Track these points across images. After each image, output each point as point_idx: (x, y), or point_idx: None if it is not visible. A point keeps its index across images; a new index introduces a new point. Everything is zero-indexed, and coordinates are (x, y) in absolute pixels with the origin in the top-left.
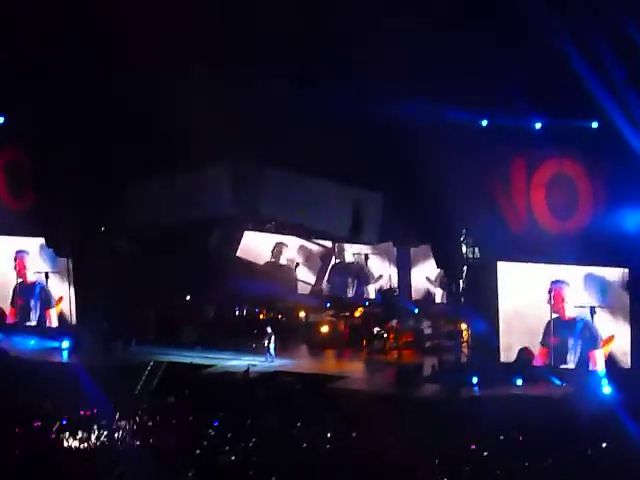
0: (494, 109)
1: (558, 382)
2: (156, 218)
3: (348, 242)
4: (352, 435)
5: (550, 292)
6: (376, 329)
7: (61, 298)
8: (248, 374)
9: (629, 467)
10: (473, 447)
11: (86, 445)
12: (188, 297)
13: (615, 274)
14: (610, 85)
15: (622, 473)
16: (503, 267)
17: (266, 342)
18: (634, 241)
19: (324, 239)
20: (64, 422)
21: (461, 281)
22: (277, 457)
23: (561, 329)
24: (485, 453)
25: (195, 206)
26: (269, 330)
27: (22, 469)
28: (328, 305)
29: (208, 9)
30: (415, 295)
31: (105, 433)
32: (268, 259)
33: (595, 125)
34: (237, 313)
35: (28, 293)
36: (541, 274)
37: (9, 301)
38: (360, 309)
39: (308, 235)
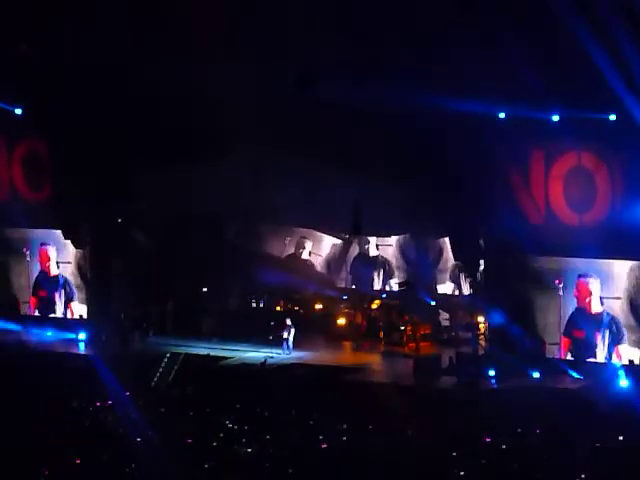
0: (512, 101)
1: (575, 375)
2: (174, 209)
3: (367, 235)
4: (369, 427)
5: (577, 285)
6: (393, 321)
7: None
8: (265, 366)
9: None
10: (488, 440)
11: (102, 436)
12: (205, 289)
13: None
14: (628, 77)
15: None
16: (520, 259)
17: (285, 334)
18: None
19: (343, 232)
20: (81, 413)
21: (478, 273)
22: (294, 449)
23: (586, 322)
24: (503, 446)
25: (213, 197)
26: (288, 322)
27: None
28: (345, 297)
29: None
30: (433, 287)
31: (122, 424)
32: (288, 252)
33: (613, 117)
34: (255, 305)
35: (51, 285)
36: (558, 266)
37: (30, 291)
38: (377, 301)
39: (327, 228)
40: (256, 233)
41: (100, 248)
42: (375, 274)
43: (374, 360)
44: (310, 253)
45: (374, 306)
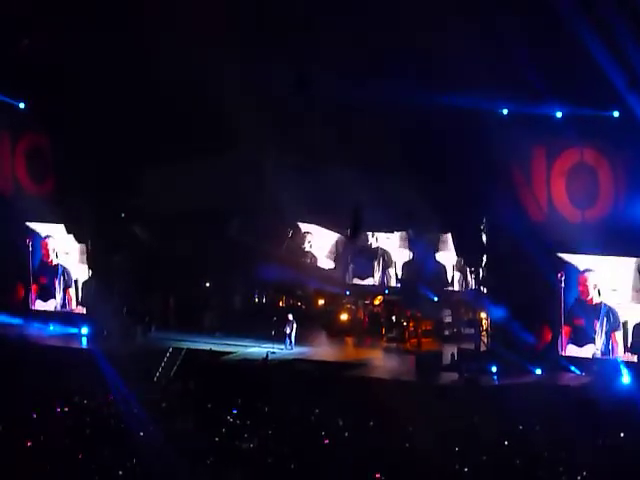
0: (515, 98)
1: (577, 371)
2: (176, 204)
3: (368, 230)
4: (370, 423)
5: (579, 279)
6: (395, 317)
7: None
8: (267, 361)
9: None
10: (491, 436)
11: (103, 431)
12: (208, 284)
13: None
14: (631, 74)
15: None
16: (522, 256)
17: (287, 329)
18: None
19: (344, 228)
20: (82, 408)
21: (481, 269)
22: (296, 444)
23: (586, 312)
24: (505, 443)
25: (215, 193)
26: (290, 317)
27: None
28: (348, 293)
29: None
30: (435, 283)
31: (123, 419)
32: (291, 245)
33: (616, 114)
34: (257, 300)
35: (51, 273)
36: (561, 261)
37: (31, 279)
38: (380, 297)
39: (329, 225)
40: (258, 228)
41: (102, 243)
42: (375, 263)
43: (376, 356)
44: (312, 246)
45: (376, 302)
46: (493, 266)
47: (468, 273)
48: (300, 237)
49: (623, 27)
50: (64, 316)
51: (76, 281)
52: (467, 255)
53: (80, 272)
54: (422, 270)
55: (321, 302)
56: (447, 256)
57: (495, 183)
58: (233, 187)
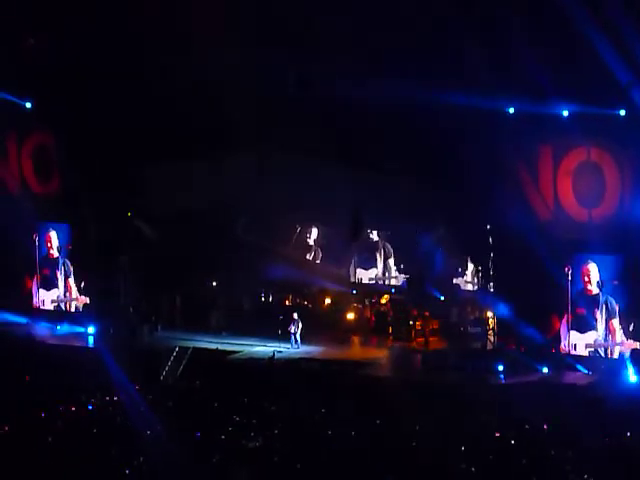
0: (521, 97)
1: (584, 370)
2: (182, 202)
3: (372, 228)
4: (377, 422)
5: (582, 270)
6: (402, 316)
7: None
8: (274, 360)
9: None
10: (497, 435)
11: (110, 430)
12: (214, 283)
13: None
14: (638, 73)
15: None
16: (530, 254)
17: (292, 328)
18: None
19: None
20: (89, 407)
21: (487, 268)
22: (302, 443)
23: (586, 302)
24: (512, 442)
25: (221, 192)
26: (295, 316)
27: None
28: (354, 292)
29: None
30: (442, 282)
31: (130, 418)
32: (297, 242)
33: (622, 113)
34: (263, 299)
35: (53, 265)
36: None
37: (36, 270)
38: (386, 296)
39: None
40: (265, 227)
41: (108, 242)
42: (377, 254)
43: (382, 355)
44: (315, 241)
45: (383, 301)
46: (500, 265)
47: (475, 272)
48: (306, 233)
49: (629, 26)
50: (70, 315)
51: (77, 272)
52: (474, 254)
53: (82, 266)
54: (429, 269)
55: (328, 301)
56: (454, 255)
57: (502, 182)
58: (238, 187)
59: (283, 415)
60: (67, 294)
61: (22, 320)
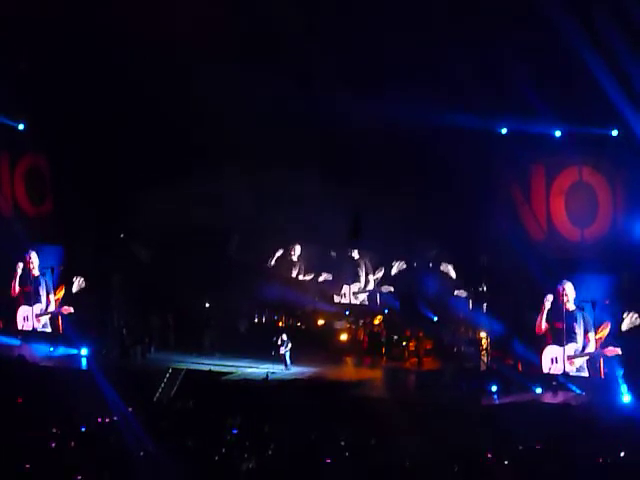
0: (513, 117)
1: (577, 390)
2: (175, 223)
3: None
4: (371, 442)
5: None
6: (395, 337)
7: (62, 286)
8: (267, 382)
9: None
10: (490, 456)
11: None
12: (207, 304)
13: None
14: (630, 92)
15: None
16: (523, 274)
17: (282, 350)
18: None
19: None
20: (82, 429)
21: (480, 289)
22: (296, 464)
23: (565, 317)
24: (505, 462)
25: (213, 212)
26: (285, 337)
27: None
28: (347, 312)
29: None
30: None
31: (123, 440)
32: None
33: (615, 133)
34: (257, 320)
35: (35, 282)
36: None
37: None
38: (379, 317)
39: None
40: (257, 246)
41: (101, 263)
42: (359, 270)
43: (376, 375)
44: (299, 257)
45: (376, 322)
46: (493, 285)
47: (467, 292)
48: (289, 251)
49: (622, 45)
50: (62, 337)
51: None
52: (466, 274)
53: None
54: (421, 289)
55: (321, 322)
56: (446, 275)
57: (494, 202)
58: (231, 207)
59: (277, 436)
60: (53, 307)
61: (15, 342)
